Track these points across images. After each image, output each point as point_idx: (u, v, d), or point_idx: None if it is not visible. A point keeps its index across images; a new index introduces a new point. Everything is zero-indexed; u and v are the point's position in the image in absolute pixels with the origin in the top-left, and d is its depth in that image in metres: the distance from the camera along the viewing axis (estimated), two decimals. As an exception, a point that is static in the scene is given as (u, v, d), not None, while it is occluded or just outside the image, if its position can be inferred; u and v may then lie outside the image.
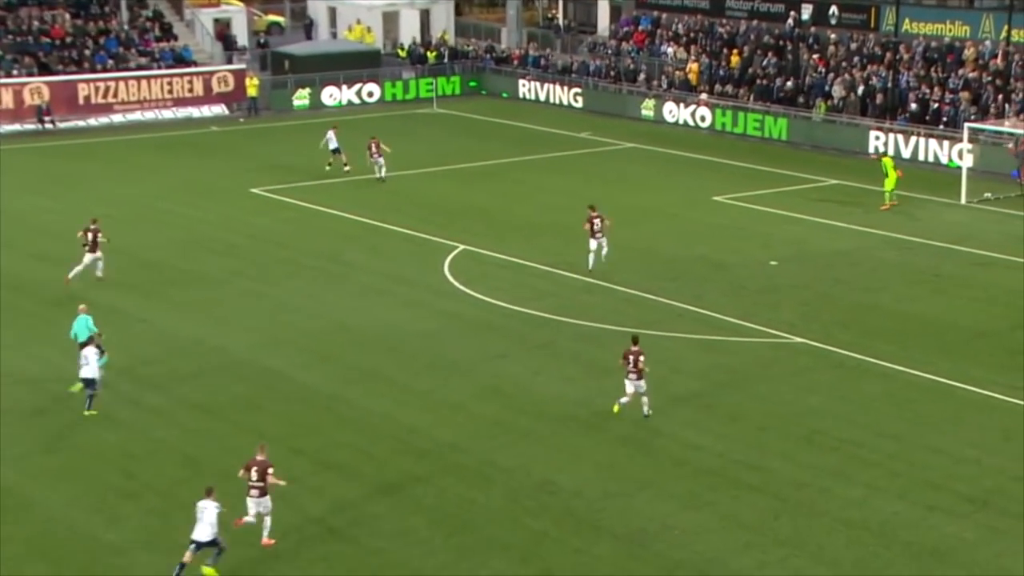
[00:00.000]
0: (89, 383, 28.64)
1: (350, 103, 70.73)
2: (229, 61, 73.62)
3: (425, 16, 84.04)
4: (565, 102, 70.12)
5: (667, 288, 37.71)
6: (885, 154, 50.94)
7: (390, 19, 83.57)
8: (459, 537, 23.54)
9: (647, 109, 66.13)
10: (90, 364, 28.55)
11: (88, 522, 24.16)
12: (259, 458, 23.22)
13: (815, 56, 63.16)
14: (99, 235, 37.65)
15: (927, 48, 60.11)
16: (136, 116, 65.96)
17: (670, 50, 69.67)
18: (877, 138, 56.80)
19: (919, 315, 35.74)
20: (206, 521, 21.87)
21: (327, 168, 53.04)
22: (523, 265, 40.33)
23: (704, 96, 64.67)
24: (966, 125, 51.78)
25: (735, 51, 66.48)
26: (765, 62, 64.52)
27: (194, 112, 67.30)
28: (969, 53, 58.44)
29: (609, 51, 72.82)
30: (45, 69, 65.89)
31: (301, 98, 69.98)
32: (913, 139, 55.68)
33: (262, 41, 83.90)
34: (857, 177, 51.90)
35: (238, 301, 36.99)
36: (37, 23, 68.78)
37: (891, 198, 47.29)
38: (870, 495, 24.97)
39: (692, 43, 69.14)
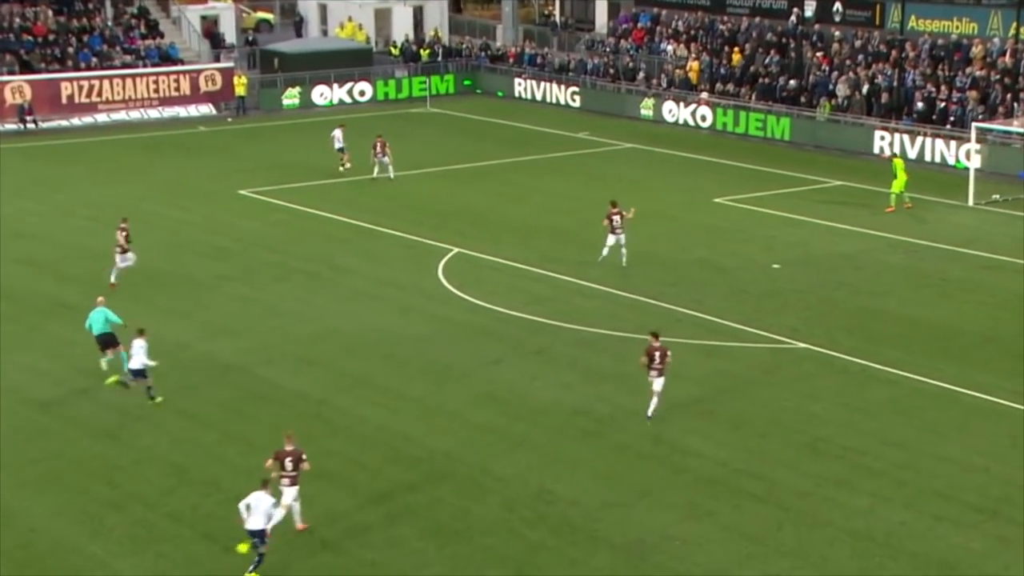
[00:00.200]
0: (138, 373, 28.96)
1: (341, 102, 70.34)
2: (217, 59, 73.10)
3: (418, 13, 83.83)
4: (562, 101, 69.74)
5: (667, 292, 37.50)
6: (896, 155, 50.64)
7: (382, 16, 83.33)
8: (453, 548, 23.32)
9: (646, 108, 65.75)
10: (138, 356, 28.79)
11: (72, 533, 23.95)
12: (289, 448, 23.42)
13: (819, 54, 62.80)
14: (127, 235, 37.71)
15: (934, 46, 59.63)
16: (121, 116, 65.51)
17: (670, 48, 69.35)
18: (882, 138, 56.44)
19: (925, 320, 35.50)
20: (260, 511, 21.86)
21: (340, 170, 52.47)
22: (519, 268, 40.08)
23: (705, 95, 64.30)
24: (974, 125, 51.44)
25: (736, 49, 66.07)
26: (767, 60, 64.11)
27: (181, 112, 66.84)
28: (977, 51, 58.00)
29: (607, 49, 72.54)
30: (27, 67, 65.46)
31: (291, 97, 69.58)
32: (919, 139, 55.33)
33: (251, 39, 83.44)
34: (862, 178, 51.78)
35: (226, 306, 36.71)
36: (19, 20, 68.25)
37: (904, 200, 46.91)
38: (876, 504, 24.74)
39: (692, 41, 68.84)
